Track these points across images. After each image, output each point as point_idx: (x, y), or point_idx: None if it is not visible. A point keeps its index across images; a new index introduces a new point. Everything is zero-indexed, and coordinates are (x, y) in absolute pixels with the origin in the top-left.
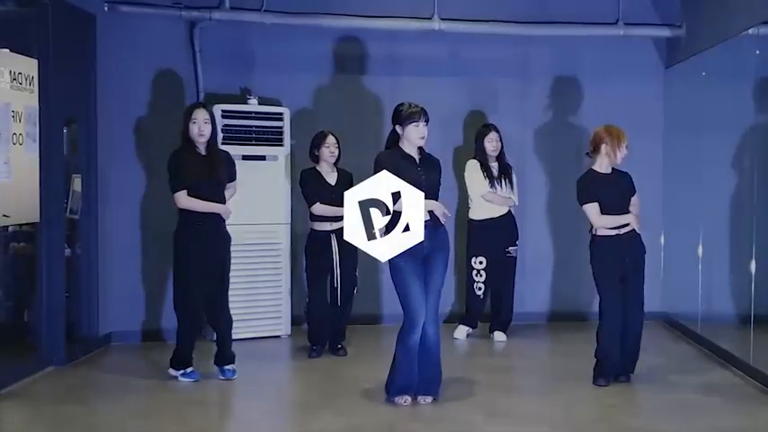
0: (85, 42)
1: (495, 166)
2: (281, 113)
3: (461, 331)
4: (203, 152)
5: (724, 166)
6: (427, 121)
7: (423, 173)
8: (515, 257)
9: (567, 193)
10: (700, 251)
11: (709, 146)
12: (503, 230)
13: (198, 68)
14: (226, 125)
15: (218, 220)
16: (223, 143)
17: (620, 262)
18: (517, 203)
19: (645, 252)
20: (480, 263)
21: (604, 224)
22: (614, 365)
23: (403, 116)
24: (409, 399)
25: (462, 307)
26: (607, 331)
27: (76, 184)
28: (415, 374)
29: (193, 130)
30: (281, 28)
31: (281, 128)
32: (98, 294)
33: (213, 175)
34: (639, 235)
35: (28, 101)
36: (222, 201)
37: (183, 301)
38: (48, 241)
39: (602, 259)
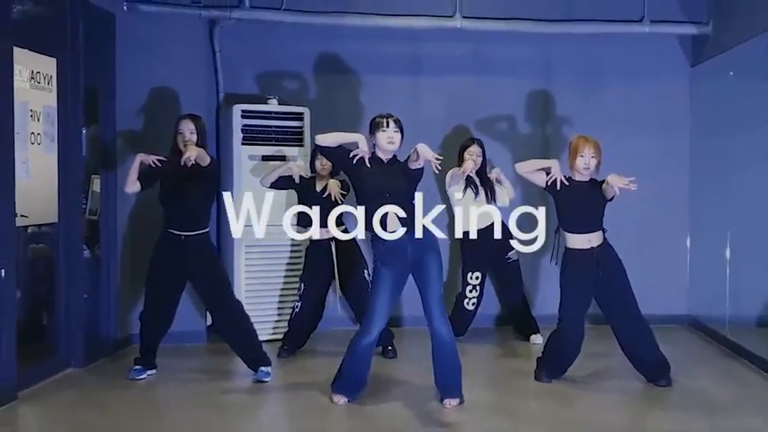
0: (105, 42)
1: (475, 178)
2: (301, 113)
3: None
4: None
5: (753, 167)
6: (400, 129)
7: (388, 174)
8: (518, 261)
9: None
10: (727, 254)
11: (738, 146)
12: (494, 241)
13: (218, 68)
14: (245, 125)
15: (189, 228)
16: (243, 143)
17: (592, 277)
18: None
19: (620, 260)
20: (477, 278)
21: (523, 168)
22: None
23: (372, 126)
24: (345, 399)
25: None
26: (564, 337)
27: (96, 184)
28: (361, 380)
29: (179, 141)
30: (302, 27)
31: (301, 128)
32: (117, 296)
33: (183, 186)
34: (611, 247)
35: (46, 100)
36: (192, 215)
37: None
38: (66, 241)
39: (573, 273)
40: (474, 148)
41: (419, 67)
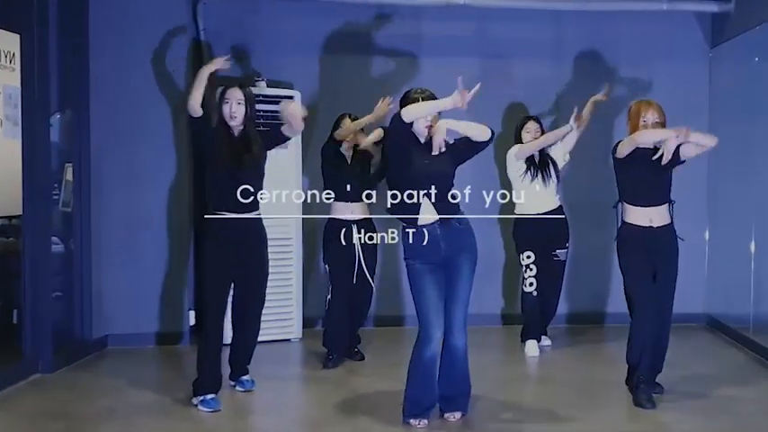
0: (77, 17)
1: (536, 156)
2: (291, 97)
3: (532, 347)
4: (236, 134)
5: None
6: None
7: (429, 157)
8: (564, 261)
9: (597, 188)
10: (752, 247)
11: (760, 132)
12: (550, 229)
13: (202, 48)
14: None
15: (247, 209)
16: None
17: (650, 256)
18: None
19: (678, 249)
20: (528, 257)
21: (642, 138)
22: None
23: (403, 103)
24: (426, 422)
25: (510, 308)
26: (637, 334)
27: (69, 173)
28: (434, 394)
29: (225, 110)
30: (292, 3)
31: None
32: (91, 294)
33: (243, 158)
34: (674, 231)
35: (8, 80)
36: (254, 182)
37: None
38: (32, 236)
39: (630, 251)
40: (531, 125)
41: (420, 46)
